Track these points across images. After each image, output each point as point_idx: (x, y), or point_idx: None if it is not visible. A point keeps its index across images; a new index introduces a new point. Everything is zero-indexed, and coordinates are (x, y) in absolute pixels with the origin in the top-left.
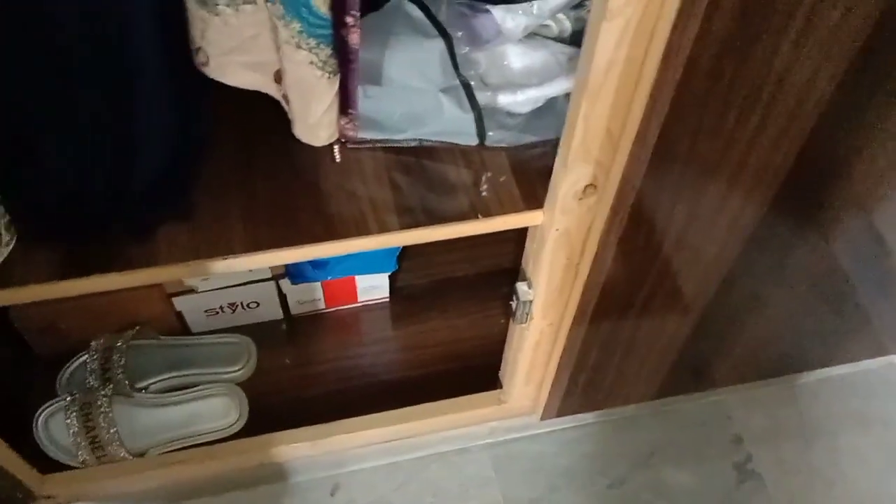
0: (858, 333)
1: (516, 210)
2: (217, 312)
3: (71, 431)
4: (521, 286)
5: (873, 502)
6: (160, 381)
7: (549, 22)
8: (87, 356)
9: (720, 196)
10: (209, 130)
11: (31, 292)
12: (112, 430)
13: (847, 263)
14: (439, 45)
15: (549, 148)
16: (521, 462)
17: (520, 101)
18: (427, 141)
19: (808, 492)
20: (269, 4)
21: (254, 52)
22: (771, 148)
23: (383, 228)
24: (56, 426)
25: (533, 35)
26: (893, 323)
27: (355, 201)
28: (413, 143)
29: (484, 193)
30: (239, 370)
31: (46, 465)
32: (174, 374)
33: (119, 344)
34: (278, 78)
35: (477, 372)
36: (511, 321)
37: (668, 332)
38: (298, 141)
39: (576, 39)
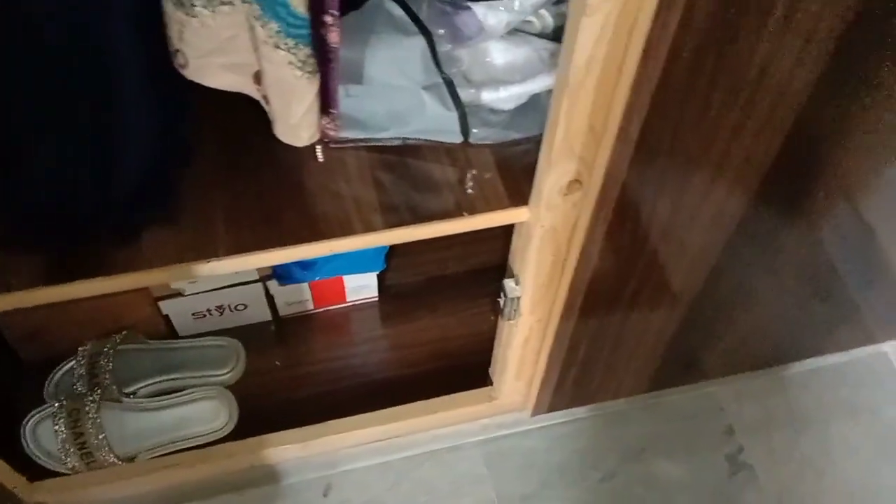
0: (847, 322)
1: (502, 207)
2: (204, 315)
3: (59, 438)
4: (508, 283)
5: (863, 490)
6: (148, 385)
7: (532, 18)
8: (74, 362)
9: (704, 188)
10: (191, 133)
11: (15, 299)
12: (101, 436)
13: (834, 252)
14: (420, 42)
15: (534, 144)
16: (514, 458)
17: (503, 97)
18: (411, 139)
19: (798, 481)
20: (246, 5)
21: (232, 54)
22: (753, 139)
23: (368, 228)
24: (44, 433)
25: (515, 31)
26: (881, 310)
27: (339, 201)
28: (397, 142)
29: (469, 191)
30: (227, 373)
31: (35, 472)
32: (162, 378)
33: (106, 349)
34: (258, 79)
35: (467, 369)
36: (500, 318)
37: (657, 324)
38: (281, 142)
39: (558, 35)
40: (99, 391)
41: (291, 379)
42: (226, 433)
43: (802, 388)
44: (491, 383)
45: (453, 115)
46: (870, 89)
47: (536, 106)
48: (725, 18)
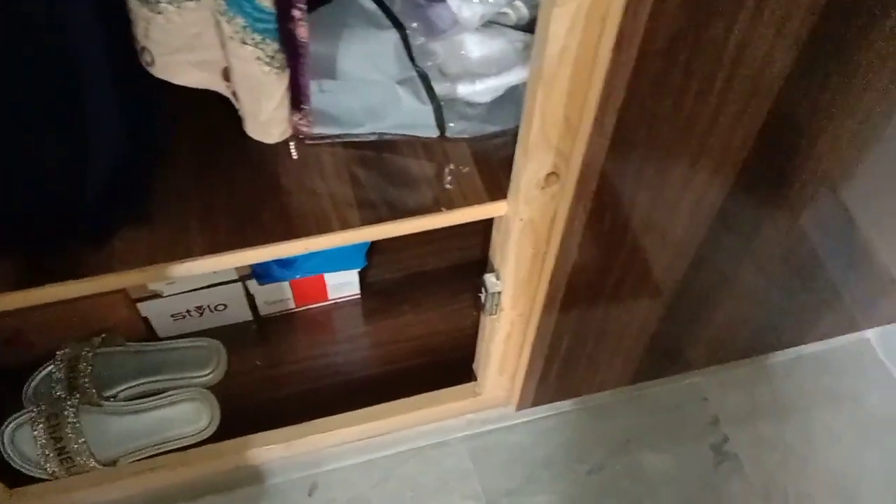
0: (829, 310)
1: (480, 201)
2: (184, 316)
3: (38, 443)
4: (488, 278)
5: (846, 477)
6: (129, 388)
7: (507, 10)
8: (52, 366)
9: (683, 178)
10: (163, 132)
11: None
12: (80, 441)
13: (815, 240)
14: (394, 36)
15: (512, 137)
16: (499, 453)
17: (479, 90)
18: (386, 134)
19: (783, 469)
20: (211, 0)
21: (199, 50)
22: (731, 128)
23: (345, 225)
24: (22, 438)
25: (490, 23)
26: (863, 298)
27: (315, 198)
28: (372, 137)
29: (447, 186)
30: (209, 374)
31: (14, 478)
32: (143, 380)
33: (85, 352)
34: (227, 75)
35: (451, 365)
36: (481, 313)
37: (640, 316)
38: (255, 139)
39: (534, 27)
40: (78, 395)
41: (274, 379)
42: (208, 435)
43: (786, 377)
44: (475, 379)
45: (429, 109)
46: (845, 76)
47: (513, 98)
48: (698, 7)
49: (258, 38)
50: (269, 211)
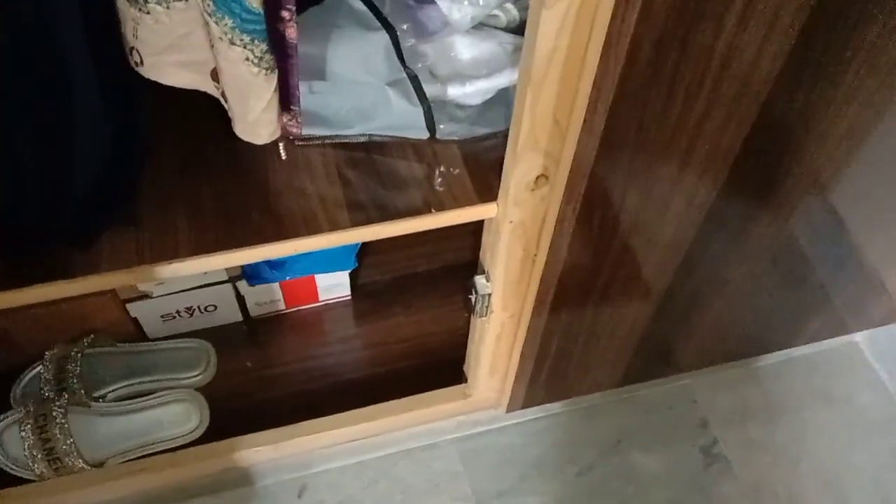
0: (819, 312)
1: (470, 203)
2: (174, 317)
3: (26, 444)
4: (479, 279)
5: (838, 476)
6: (118, 389)
7: (497, 12)
8: (41, 366)
9: (672, 180)
10: (150, 132)
11: None
12: (69, 441)
13: (804, 242)
14: (384, 37)
15: (502, 139)
16: (490, 455)
17: (469, 92)
18: (376, 136)
19: (774, 470)
20: (199, 1)
21: (188, 51)
22: (719, 130)
23: (334, 226)
24: (10, 439)
25: (481, 26)
26: (852, 301)
27: (305, 199)
28: (362, 139)
29: (438, 188)
30: (198, 375)
31: (1, 479)
32: (132, 381)
33: (74, 353)
34: (216, 76)
35: (442, 367)
36: (472, 315)
37: (630, 318)
38: (245, 141)
39: (524, 29)
40: (67, 396)
41: (264, 380)
42: (197, 436)
43: (776, 379)
44: (465, 380)
45: (419, 111)
46: (833, 79)
47: (503, 100)
48: (686, 9)
49: (247, 38)
50: (258, 212)
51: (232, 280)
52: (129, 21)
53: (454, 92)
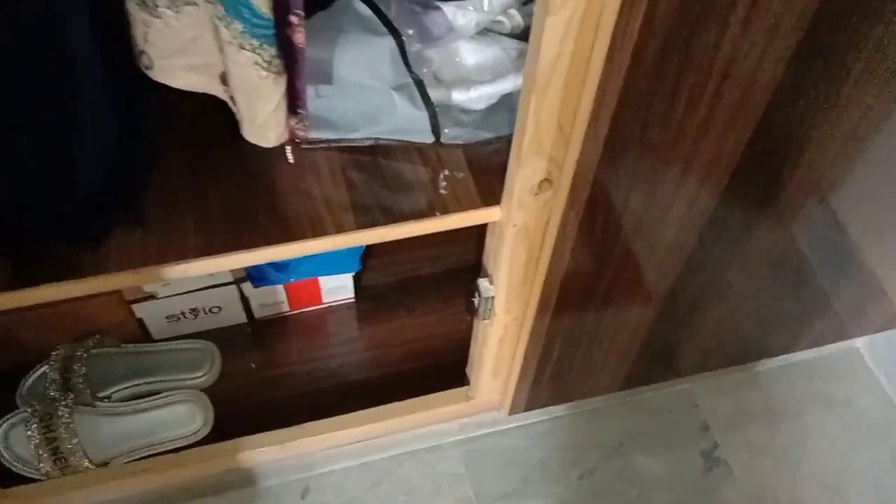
0: (819, 317)
1: (474, 207)
2: (179, 318)
3: (32, 443)
4: (482, 282)
5: (838, 479)
6: (123, 389)
7: (501, 18)
8: (46, 366)
9: (674, 185)
10: (157, 134)
11: None
12: (74, 441)
13: (805, 247)
14: (390, 42)
15: (506, 144)
16: (493, 457)
17: (474, 97)
18: (382, 139)
19: (774, 473)
20: (209, 5)
21: (197, 54)
22: (721, 135)
23: (340, 228)
24: (16, 438)
25: (485, 31)
26: (853, 306)
27: (311, 202)
28: (368, 142)
29: (442, 191)
30: (202, 376)
31: (7, 478)
32: (137, 381)
33: (79, 353)
34: (224, 80)
35: (445, 369)
36: (475, 318)
37: (632, 321)
38: (251, 143)
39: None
40: (72, 395)
41: (267, 381)
42: (201, 437)
43: (776, 383)
44: (468, 383)
45: (424, 115)
46: (834, 85)
47: (507, 105)
48: (689, 16)
49: (256, 43)
50: (264, 214)
51: (237, 282)
52: (140, 25)
53: (459, 96)
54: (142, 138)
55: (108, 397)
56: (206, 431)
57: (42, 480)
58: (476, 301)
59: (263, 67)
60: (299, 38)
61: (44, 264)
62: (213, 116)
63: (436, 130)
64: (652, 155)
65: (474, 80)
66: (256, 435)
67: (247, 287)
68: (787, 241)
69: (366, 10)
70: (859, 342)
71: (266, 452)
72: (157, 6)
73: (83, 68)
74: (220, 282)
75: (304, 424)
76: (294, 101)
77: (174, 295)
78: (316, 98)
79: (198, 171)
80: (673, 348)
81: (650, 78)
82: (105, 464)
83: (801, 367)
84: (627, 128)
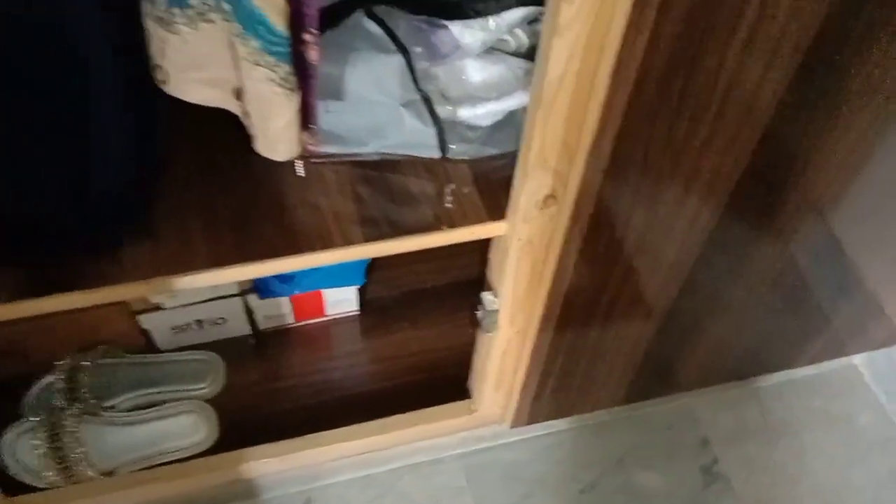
0: (818, 334)
1: (480, 221)
2: (184, 329)
3: (38, 452)
4: (486, 295)
5: (837, 496)
6: (128, 399)
7: (507, 37)
8: (53, 376)
9: (676, 202)
10: (168, 147)
11: None
12: (80, 450)
13: (805, 265)
14: (398, 60)
15: (511, 159)
16: (494, 470)
17: (479, 114)
18: (389, 154)
19: (773, 490)
20: (227, 23)
21: (212, 70)
22: (722, 154)
23: (348, 241)
24: (22, 448)
25: (491, 50)
26: (851, 323)
27: (319, 215)
28: (376, 157)
29: (448, 205)
30: (207, 387)
31: (13, 487)
32: (142, 392)
33: (85, 363)
34: (238, 94)
35: (448, 382)
36: (478, 330)
37: (633, 336)
38: (261, 156)
39: (533, 53)
40: (78, 405)
41: (271, 393)
42: (205, 447)
43: (776, 399)
44: (471, 396)
45: (431, 131)
46: (834, 104)
47: (512, 122)
48: (692, 38)
49: (271, 60)
50: (273, 226)
51: (242, 293)
52: (157, 40)
53: (465, 113)
54: (153, 149)
55: (114, 407)
56: (210, 442)
57: (47, 489)
58: (480, 314)
59: (278, 84)
60: (313, 55)
61: (54, 274)
62: (221, 128)
63: (442, 146)
64: (654, 172)
65: (480, 97)
66: (260, 446)
67: (252, 299)
68: (786, 258)
69: (375, 29)
70: (858, 359)
71: (269, 464)
72: (174, 22)
73: (99, 80)
74: (225, 293)
75: (307, 436)
76: (306, 117)
77: (180, 306)
78: (326, 113)
79: (207, 183)
80: (673, 363)
81: (654, 97)
82: (110, 473)
83: (800, 383)
84: (631, 145)
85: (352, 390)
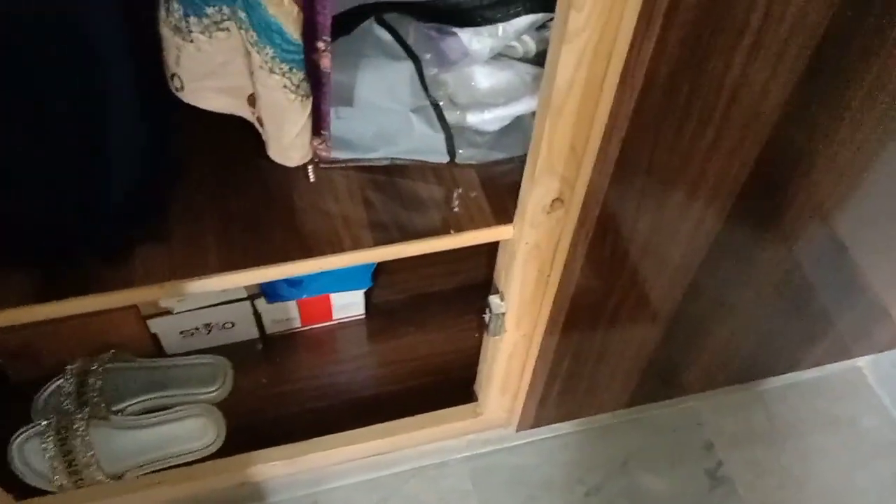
0: (822, 337)
1: (487, 225)
2: (192, 333)
3: (47, 456)
4: (493, 299)
5: (842, 499)
6: (137, 403)
7: (515, 43)
8: (62, 380)
9: (682, 206)
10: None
11: (6, 316)
12: (89, 454)
13: (809, 268)
14: (408, 66)
15: (518, 164)
16: (499, 474)
17: (487, 119)
18: (399, 159)
19: (778, 493)
20: (242, 31)
21: (226, 78)
22: (728, 158)
23: (357, 245)
24: (32, 451)
25: (499, 56)
26: (856, 326)
27: (329, 219)
28: (385, 162)
29: (456, 209)
30: (215, 391)
31: (22, 490)
32: (150, 395)
33: (95, 367)
34: (252, 101)
35: (454, 385)
36: (485, 333)
37: (638, 339)
38: (271, 161)
39: (540, 59)
40: (88, 409)
41: (278, 396)
42: (213, 451)
43: (780, 402)
44: (476, 399)
45: (440, 137)
46: (839, 109)
47: (519, 127)
48: (699, 44)
49: (286, 67)
50: (283, 230)
51: (250, 298)
52: (173, 49)
53: (473, 119)
54: (168, 154)
55: (123, 411)
56: (218, 445)
57: (56, 493)
58: (487, 317)
59: (292, 91)
60: (326, 62)
61: (68, 278)
62: (234, 133)
63: (451, 151)
64: (660, 176)
65: (488, 102)
66: (267, 449)
67: (260, 303)
68: (791, 261)
69: (386, 36)
70: (862, 362)
71: (276, 467)
72: (190, 31)
73: (116, 88)
74: (234, 297)
75: (314, 439)
76: (318, 123)
77: (189, 310)
78: (336, 119)
79: (219, 187)
80: (678, 367)
81: (660, 102)
82: (119, 477)
83: (805, 386)
84: (637, 150)
85: (358, 394)
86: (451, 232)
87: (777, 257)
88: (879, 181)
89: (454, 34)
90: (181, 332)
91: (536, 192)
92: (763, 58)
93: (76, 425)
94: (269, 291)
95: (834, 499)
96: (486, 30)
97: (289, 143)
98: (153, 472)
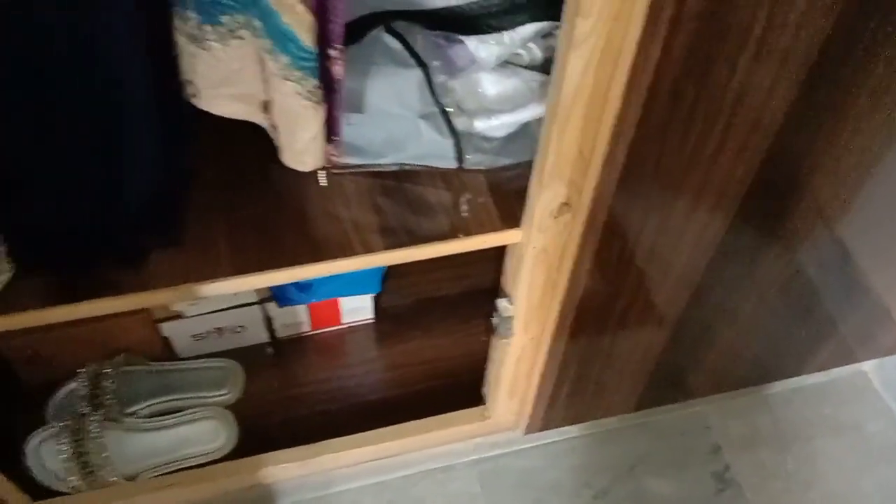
0: (827, 341)
1: (495, 229)
2: (204, 337)
3: (61, 457)
4: (501, 302)
5: (848, 501)
6: (149, 405)
7: (521, 51)
8: (76, 382)
9: (687, 210)
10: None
11: (22, 319)
12: (103, 455)
13: (813, 272)
14: (417, 74)
15: (525, 169)
16: (507, 477)
17: (495, 125)
18: (408, 165)
19: (785, 496)
20: (256, 39)
21: (240, 84)
22: (732, 163)
23: (367, 249)
24: (47, 452)
25: (506, 63)
26: (861, 330)
27: (340, 224)
28: (394, 168)
29: (464, 214)
30: (226, 394)
31: (37, 491)
32: (163, 398)
33: (109, 370)
34: (265, 108)
35: (462, 389)
36: (493, 337)
37: (645, 343)
38: (283, 166)
39: (547, 67)
40: (102, 411)
41: (288, 399)
42: (224, 453)
43: (786, 406)
44: (485, 402)
45: (448, 142)
46: (842, 114)
47: (526, 133)
48: (704, 49)
49: (299, 74)
50: (295, 235)
51: (261, 302)
52: (188, 56)
53: (481, 125)
54: (183, 161)
55: (135, 413)
56: (229, 448)
57: (70, 494)
58: (495, 320)
59: (305, 97)
60: (338, 69)
61: (82, 282)
62: (246, 138)
63: (459, 156)
64: (667, 181)
65: (495, 109)
66: (277, 452)
67: (270, 307)
68: (795, 266)
69: (395, 44)
70: (867, 366)
71: (287, 469)
72: (205, 39)
73: (132, 94)
74: (244, 301)
75: (323, 442)
76: (330, 129)
77: (200, 314)
78: (347, 126)
79: (231, 192)
80: (685, 370)
81: (666, 107)
82: (132, 478)
83: (810, 390)
84: (643, 155)
85: (367, 397)
86: (460, 236)
87: (782, 261)
88: (883, 185)
89: (461, 42)
90: (193, 336)
91: (544, 197)
92: (767, 63)
93: (90, 427)
94: (280, 295)
95: (839, 502)
96: (492, 38)
97: (302, 148)
98: (166, 473)
